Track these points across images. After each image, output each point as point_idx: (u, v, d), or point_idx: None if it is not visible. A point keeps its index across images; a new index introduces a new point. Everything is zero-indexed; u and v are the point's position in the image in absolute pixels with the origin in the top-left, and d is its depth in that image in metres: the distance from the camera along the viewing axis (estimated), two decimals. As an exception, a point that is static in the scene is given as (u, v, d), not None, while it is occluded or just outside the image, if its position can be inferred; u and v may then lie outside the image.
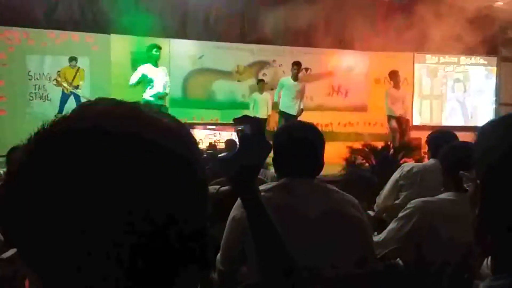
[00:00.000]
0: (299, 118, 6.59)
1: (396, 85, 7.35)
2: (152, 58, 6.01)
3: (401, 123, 7.28)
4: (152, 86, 5.92)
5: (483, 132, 0.73)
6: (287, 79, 6.88)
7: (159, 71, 6.03)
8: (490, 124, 0.75)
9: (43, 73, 7.12)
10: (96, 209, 0.39)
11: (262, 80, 7.57)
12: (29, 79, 7.05)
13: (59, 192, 0.39)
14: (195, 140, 0.48)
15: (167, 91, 6.19)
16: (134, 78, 5.91)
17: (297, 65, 6.80)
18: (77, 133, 0.41)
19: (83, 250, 0.39)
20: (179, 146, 0.44)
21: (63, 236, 0.39)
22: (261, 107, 7.23)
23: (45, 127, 0.43)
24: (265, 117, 7.23)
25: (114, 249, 0.39)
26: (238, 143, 0.85)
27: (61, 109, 7.05)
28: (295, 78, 6.82)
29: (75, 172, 0.39)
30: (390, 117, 7.28)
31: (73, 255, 0.39)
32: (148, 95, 5.90)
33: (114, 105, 0.45)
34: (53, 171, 0.39)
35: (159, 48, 6.09)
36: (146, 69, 5.92)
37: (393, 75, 7.38)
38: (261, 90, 7.38)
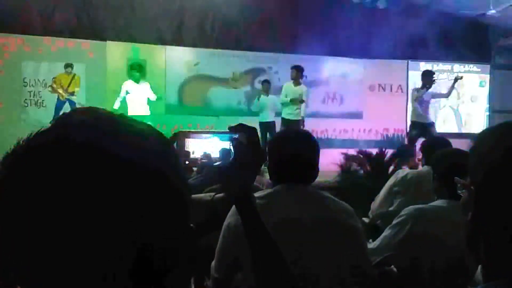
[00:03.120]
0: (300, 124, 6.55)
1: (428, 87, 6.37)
2: (133, 77, 6.54)
3: (428, 131, 6.22)
4: (129, 102, 6.51)
5: (480, 139, 0.74)
6: (289, 84, 6.69)
7: (139, 88, 6.55)
8: (487, 131, 0.76)
9: (38, 80, 7.11)
10: (69, 227, 0.39)
11: (267, 81, 7.12)
12: (25, 86, 7.05)
13: (34, 208, 0.39)
14: (175, 153, 0.49)
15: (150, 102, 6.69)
16: (121, 95, 6.54)
17: (296, 68, 6.61)
18: (49, 150, 0.41)
19: (55, 266, 0.39)
20: (152, 163, 0.44)
21: (37, 252, 0.39)
22: (269, 110, 6.84)
23: (23, 141, 0.43)
24: (273, 120, 6.89)
25: (87, 264, 0.40)
26: (232, 151, 0.86)
27: (56, 116, 7.02)
28: (297, 82, 6.66)
29: (47, 188, 0.39)
30: (414, 123, 6.43)
31: (44, 270, 0.39)
32: (130, 111, 6.49)
33: (93, 118, 0.45)
34: (27, 187, 0.40)
35: (140, 68, 6.62)
36: (128, 86, 6.53)
37: (425, 75, 6.46)
38: (267, 92, 6.95)
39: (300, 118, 6.67)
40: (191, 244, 0.49)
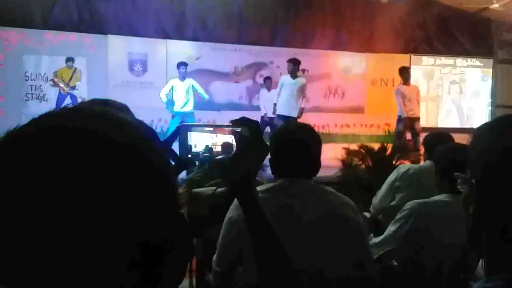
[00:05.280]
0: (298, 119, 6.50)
1: (406, 82, 6.93)
2: (180, 74, 6.73)
3: (412, 125, 6.77)
4: (175, 99, 6.71)
5: (479, 133, 0.74)
6: (286, 77, 6.55)
7: (183, 85, 6.75)
8: (486, 125, 0.75)
9: (39, 74, 7.11)
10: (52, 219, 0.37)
11: (269, 78, 7.29)
12: (26, 80, 7.04)
13: (16, 198, 0.38)
14: (157, 149, 0.46)
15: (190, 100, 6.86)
16: (164, 92, 6.72)
17: (292, 62, 6.50)
18: (28, 136, 0.42)
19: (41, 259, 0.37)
20: (130, 154, 0.42)
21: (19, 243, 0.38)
22: (270, 107, 6.89)
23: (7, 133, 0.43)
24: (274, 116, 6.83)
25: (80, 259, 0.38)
26: (234, 145, 0.85)
27: (57, 110, 7.04)
28: (294, 76, 6.51)
29: (29, 175, 0.39)
30: (399, 118, 6.81)
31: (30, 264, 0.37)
32: (175, 107, 6.75)
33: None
34: (9, 176, 0.39)
35: (186, 65, 6.77)
36: (173, 83, 6.75)
37: (402, 71, 6.99)
38: (269, 89, 7.14)
39: (297, 115, 6.47)
40: (185, 230, 0.48)
